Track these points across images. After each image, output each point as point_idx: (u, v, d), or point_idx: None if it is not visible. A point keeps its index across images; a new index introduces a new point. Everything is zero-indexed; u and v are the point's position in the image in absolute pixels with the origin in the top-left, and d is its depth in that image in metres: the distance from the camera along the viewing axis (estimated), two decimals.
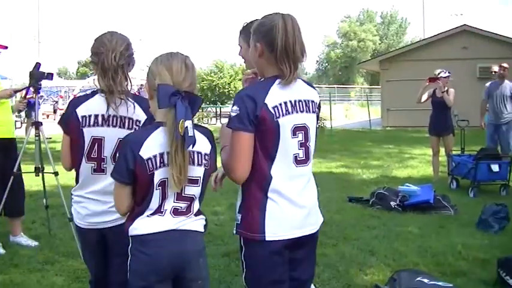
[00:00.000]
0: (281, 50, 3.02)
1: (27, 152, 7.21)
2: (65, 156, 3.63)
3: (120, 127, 3.49)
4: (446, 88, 11.41)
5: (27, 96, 6.99)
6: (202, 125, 3.54)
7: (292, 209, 3.11)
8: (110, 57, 3.44)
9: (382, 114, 30.53)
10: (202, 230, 3.16)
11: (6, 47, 6.75)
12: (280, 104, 3.03)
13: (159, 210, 2.99)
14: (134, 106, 3.52)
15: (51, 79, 6.94)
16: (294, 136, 3.08)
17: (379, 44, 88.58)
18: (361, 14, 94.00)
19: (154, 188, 2.94)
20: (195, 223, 3.10)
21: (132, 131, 3.44)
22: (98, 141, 3.47)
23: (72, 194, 3.69)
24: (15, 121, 9.51)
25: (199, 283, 3.13)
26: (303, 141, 3.12)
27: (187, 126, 2.80)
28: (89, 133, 3.47)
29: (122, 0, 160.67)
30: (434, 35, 29.97)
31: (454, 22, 71.89)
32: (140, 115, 3.53)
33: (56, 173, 6.77)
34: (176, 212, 3.02)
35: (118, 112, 3.48)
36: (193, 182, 3.01)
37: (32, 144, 7.27)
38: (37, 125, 6.92)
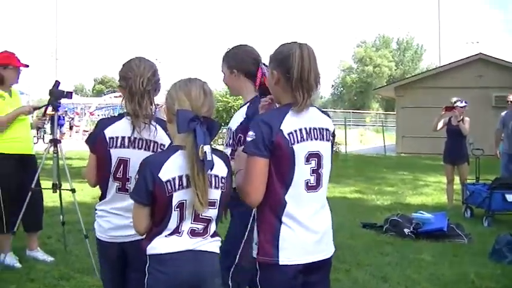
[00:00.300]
0: (297, 79, 3.10)
1: (44, 168, 7.27)
2: (90, 173, 3.72)
3: (145, 149, 3.61)
4: (462, 117, 11.43)
5: (48, 113, 7.09)
6: (217, 147, 3.64)
7: (305, 234, 3.15)
8: (137, 83, 3.56)
9: (396, 140, 30.47)
10: (218, 251, 3.22)
11: (27, 66, 6.85)
12: (296, 131, 3.10)
13: (177, 231, 3.05)
14: (156, 130, 3.63)
15: (71, 97, 7.07)
16: (307, 163, 3.14)
17: (395, 69, 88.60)
18: (377, 39, 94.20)
19: (173, 210, 3.01)
20: (211, 244, 3.16)
21: None
22: (123, 162, 3.59)
23: (96, 209, 3.78)
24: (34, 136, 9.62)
25: None
26: (315, 167, 3.17)
27: (206, 151, 2.87)
28: (115, 154, 3.59)
29: (139, 19, 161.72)
30: (450, 63, 30.06)
31: (469, 50, 71.94)
32: (164, 139, 3.64)
33: (73, 190, 6.87)
34: (193, 233, 3.08)
35: (142, 135, 3.59)
36: (211, 204, 3.07)
37: (50, 161, 7.37)
38: (55, 142, 7.03)
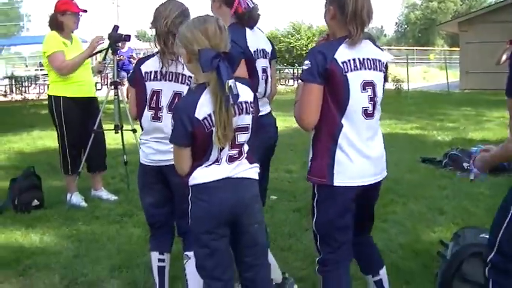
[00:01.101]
0: (351, 13, 3.24)
1: (106, 112, 7.52)
2: (132, 107, 4.11)
3: (174, 81, 3.93)
4: None
5: (117, 58, 7.29)
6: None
7: (359, 158, 3.35)
8: (162, 24, 3.85)
9: (460, 76, 29.91)
10: (257, 178, 3.38)
11: (85, 11, 6.98)
12: (349, 60, 3.27)
13: (216, 160, 3.20)
14: (183, 64, 3.81)
15: (129, 40, 7.23)
16: (364, 91, 3.31)
17: (460, 5, 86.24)
18: None
19: (214, 143, 3.13)
20: (249, 171, 3.33)
21: (185, 85, 3.85)
22: (156, 93, 3.92)
23: (140, 139, 4.13)
24: (96, 83, 9.86)
25: (255, 226, 3.35)
26: (372, 95, 3.34)
27: (231, 86, 2.99)
28: (149, 86, 3.95)
29: None
30: None
31: None
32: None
33: (134, 130, 7.09)
34: (231, 158, 3.23)
35: (171, 69, 3.90)
36: (244, 129, 3.24)
37: (111, 104, 7.61)
38: (116, 84, 7.23)
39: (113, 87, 7.30)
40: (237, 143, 3.23)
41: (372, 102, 3.36)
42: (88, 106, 7.06)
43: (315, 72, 3.24)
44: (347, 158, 3.33)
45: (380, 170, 3.50)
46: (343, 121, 3.30)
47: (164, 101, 3.92)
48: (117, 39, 6.91)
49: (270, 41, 4.26)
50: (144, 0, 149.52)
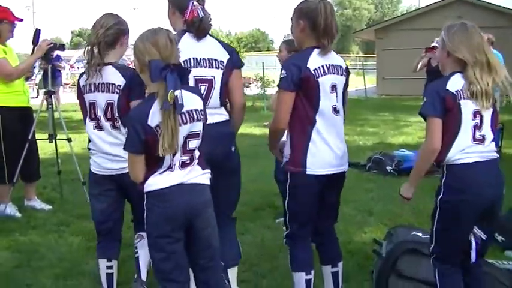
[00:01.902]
0: (323, 28, 3.87)
1: (41, 121, 7.51)
2: (83, 117, 4.33)
3: (106, 92, 4.12)
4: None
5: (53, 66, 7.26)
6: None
7: (328, 150, 3.97)
8: (93, 36, 4.13)
9: (377, 82, 30.74)
10: (208, 183, 3.57)
11: (22, 20, 6.97)
12: (319, 67, 3.89)
13: (169, 167, 3.37)
14: (101, 75, 4.10)
15: (63, 50, 7.25)
16: (332, 91, 3.96)
17: (374, 12, 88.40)
18: None
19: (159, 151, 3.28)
20: (201, 177, 3.52)
21: (115, 94, 4.09)
22: (92, 104, 4.19)
23: (89, 149, 4.32)
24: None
25: (208, 230, 3.55)
26: (337, 96, 4.01)
27: (176, 95, 3.18)
28: (87, 98, 4.21)
29: None
30: (430, 4, 30.21)
31: None
32: (114, 79, 4.12)
33: (69, 139, 7.11)
34: (183, 164, 3.41)
35: (96, 80, 4.12)
36: (195, 136, 3.45)
37: (46, 113, 7.60)
38: (50, 93, 7.23)
39: (46, 96, 7.30)
40: (188, 149, 3.41)
41: (338, 102, 4.01)
42: (25, 116, 7.03)
43: (289, 81, 3.82)
44: (318, 150, 3.92)
45: (344, 162, 4.11)
46: (317, 117, 3.90)
47: (99, 111, 4.15)
48: (52, 48, 6.91)
49: (231, 50, 4.24)
50: (59, 7, 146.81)
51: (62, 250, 5.80)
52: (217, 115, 4.07)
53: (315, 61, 3.89)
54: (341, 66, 4.06)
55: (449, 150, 3.57)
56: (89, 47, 4.10)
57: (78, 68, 37.74)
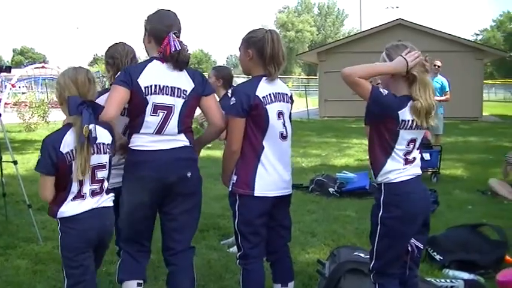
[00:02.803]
0: (270, 56, 4.12)
1: None
2: None
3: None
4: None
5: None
6: None
7: (275, 173, 4.20)
8: (118, 61, 4.78)
9: (319, 104, 31.12)
10: (112, 205, 4.01)
11: None
12: (268, 95, 4.13)
13: (80, 195, 3.79)
14: None
15: (10, 71, 7.26)
16: (279, 119, 4.20)
17: (317, 34, 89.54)
18: (298, 4, 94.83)
19: (73, 175, 3.71)
20: (108, 201, 3.97)
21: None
22: None
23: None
24: None
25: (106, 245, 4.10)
26: (284, 122, 4.25)
27: (91, 129, 3.57)
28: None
29: None
30: (371, 28, 30.83)
31: (390, 14, 72.78)
32: None
33: (15, 162, 7.09)
34: (93, 193, 3.84)
35: None
36: (102, 167, 3.86)
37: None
38: None
39: None
40: (97, 179, 3.84)
41: (285, 128, 4.25)
42: None
43: (239, 108, 4.05)
44: (266, 173, 4.15)
45: (290, 185, 4.36)
46: (264, 143, 4.15)
47: None
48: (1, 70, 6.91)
49: (198, 79, 4.22)
50: (1, 25, 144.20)
51: (9, 273, 5.77)
52: (174, 141, 4.10)
53: (263, 89, 4.12)
54: (286, 94, 4.35)
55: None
56: (114, 71, 4.65)
57: (19, 87, 37.20)
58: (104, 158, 3.84)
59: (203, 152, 5.45)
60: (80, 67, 3.83)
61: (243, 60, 4.28)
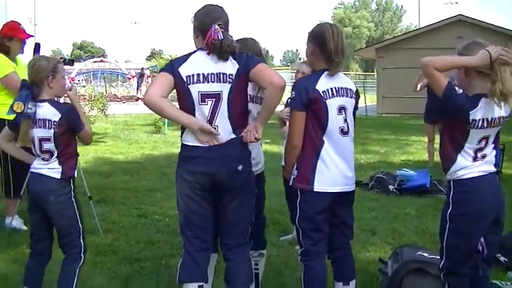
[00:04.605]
0: (330, 51, 4.08)
1: None
2: None
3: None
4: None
5: None
6: None
7: (336, 169, 4.16)
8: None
9: (377, 100, 30.81)
10: (54, 176, 4.36)
11: (32, 36, 7.02)
12: (328, 89, 4.11)
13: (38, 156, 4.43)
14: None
15: (72, 65, 7.32)
16: (340, 114, 4.15)
17: (374, 30, 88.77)
18: (356, 0, 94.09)
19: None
20: (49, 170, 4.36)
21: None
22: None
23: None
24: None
25: (53, 214, 4.42)
26: (345, 117, 4.19)
27: (29, 107, 4.23)
28: None
29: None
30: (430, 24, 30.26)
31: (448, 10, 71.60)
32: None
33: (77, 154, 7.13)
34: (43, 159, 4.38)
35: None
36: (47, 139, 4.33)
37: None
38: None
39: None
40: (43, 149, 4.34)
41: (346, 123, 4.18)
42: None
43: (299, 102, 4.05)
44: (326, 168, 4.12)
45: (351, 182, 4.29)
46: (325, 138, 4.11)
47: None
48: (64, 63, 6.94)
49: (241, 58, 4.05)
50: (61, 19, 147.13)
51: None
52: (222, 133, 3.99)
53: (323, 83, 4.11)
54: (351, 89, 4.29)
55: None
56: None
57: (79, 80, 37.87)
58: (48, 133, 4.30)
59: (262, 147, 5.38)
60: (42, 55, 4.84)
61: (308, 55, 4.35)
